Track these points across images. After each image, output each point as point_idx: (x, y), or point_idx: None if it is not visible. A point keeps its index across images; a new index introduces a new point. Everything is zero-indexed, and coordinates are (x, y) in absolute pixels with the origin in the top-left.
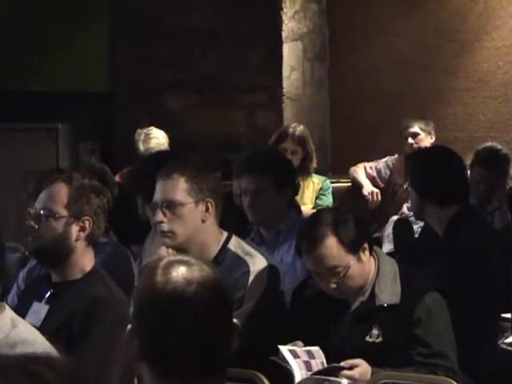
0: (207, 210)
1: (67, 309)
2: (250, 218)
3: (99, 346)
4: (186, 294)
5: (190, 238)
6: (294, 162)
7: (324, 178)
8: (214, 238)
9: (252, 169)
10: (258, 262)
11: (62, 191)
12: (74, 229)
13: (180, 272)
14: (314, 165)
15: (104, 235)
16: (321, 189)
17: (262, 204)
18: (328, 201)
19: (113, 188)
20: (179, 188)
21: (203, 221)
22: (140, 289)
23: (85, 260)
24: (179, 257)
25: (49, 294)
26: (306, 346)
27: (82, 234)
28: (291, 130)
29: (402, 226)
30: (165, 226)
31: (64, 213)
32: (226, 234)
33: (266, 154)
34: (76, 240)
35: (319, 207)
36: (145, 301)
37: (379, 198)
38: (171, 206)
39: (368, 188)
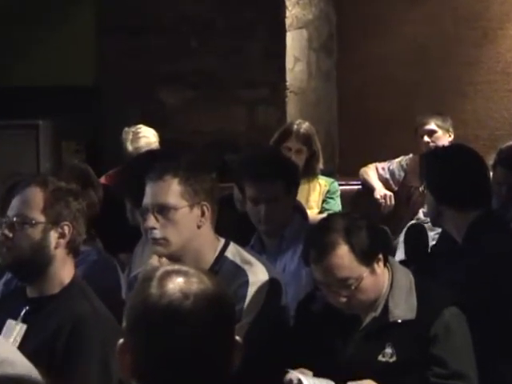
0: (203, 214)
1: (47, 329)
2: (262, 227)
3: (90, 368)
4: (182, 308)
5: (185, 245)
6: (298, 162)
7: (331, 179)
8: (209, 245)
9: (264, 175)
10: (258, 272)
11: (36, 195)
12: (53, 235)
13: (177, 284)
14: (321, 165)
15: (89, 243)
16: (328, 192)
17: (278, 212)
18: (336, 205)
19: (98, 190)
20: (172, 190)
21: (199, 226)
22: (133, 301)
23: (64, 271)
24: (177, 266)
25: (24, 311)
26: (312, 370)
27: (62, 241)
28: (295, 127)
29: (415, 232)
30: (157, 233)
31: (41, 218)
32: (222, 240)
33: (274, 157)
34: (55, 248)
35: (327, 212)
36: (138, 314)
37: (392, 202)
38: (163, 210)
39: (380, 191)
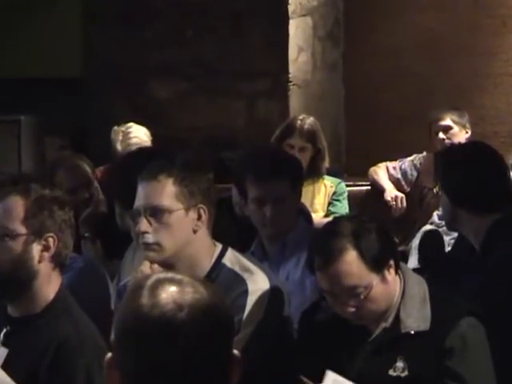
0: (199, 217)
1: (29, 352)
2: (268, 231)
3: None
4: (175, 320)
5: (179, 251)
6: (302, 161)
7: (338, 180)
8: (206, 251)
9: (269, 173)
10: (258, 280)
11: (17, 205)
12: (36, 248)
13: (170, 294)
14: (327, 164)
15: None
16: (334, 193)
17: (285, 213)
18: (343, 207)
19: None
20: (166, 192)
21: (194, 231)
22: (122, 312)
23: (49, 288)
24: (170, 274)
25: (5, 331)
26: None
27: (46, 255)
28: (299, 122)
29: (430, 238)
30: (150, 238)
31: (22, 230)
32: (220, 246)
33: (276, 153)
34: (39, 262)
35: (333, 215)
36: (127, 326)
37: (404, 204)
38: (157, 213)
39: (391, 192)
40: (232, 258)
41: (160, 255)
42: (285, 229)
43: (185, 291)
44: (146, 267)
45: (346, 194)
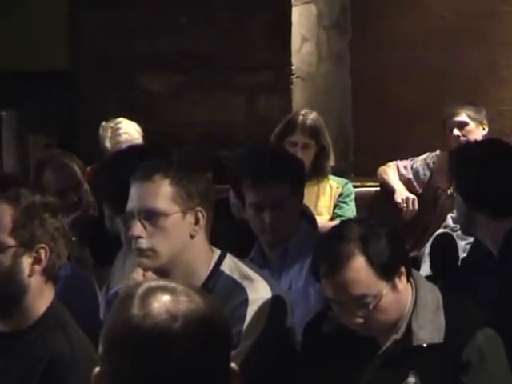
0: (197, 221)
1: (20, 368)
2: (267, 237)
3: None
4: (169, 332)
5: (175, 257)
6: (305, 159)
7: (345, 180)
8: (203, 257)
9: (267, 177)
10: (259, 289)
11: (5, 214)
12: (26, 261)
13: (163, 303)
14: (332, 163)
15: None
16: (340, 195)
17: (284, 218)
18: (350, 210)
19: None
20: (162, 193)
21: (192, 236)
22: (111, 322)
23: (41, 302)
24: (163, 282)
25: None
26: None
27: (38, 267)
28: (301, 118)
29: (444, 243)
30: (144, 243)
31: (10, 242)
32: (218, 252)
33: (275, 153)
34: (29, 275)
35: (339, 218)
36: (117, 338)
37: (416, 206)
38: (152, 216)
39: (402, 194)
40: (231, 265)
41: (154, 262)
42: (285, 234)
43: (179, 300)
44: (138, 274)
45: (353, 196)
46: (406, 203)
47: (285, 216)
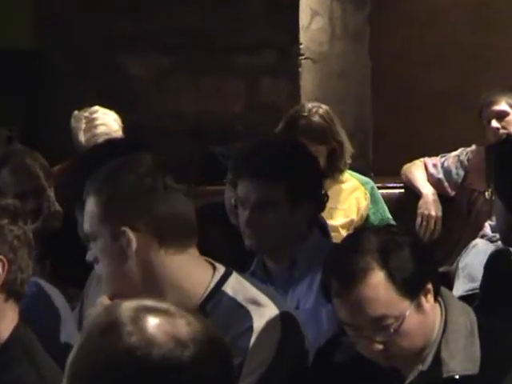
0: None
1: None
2: (246, 241)
3: None
4: (182, 361)
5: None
6: None
7: (366, 179)
8: (196, 275)
9: (256, 169)
10: (266, 315)
11: None
12: None
13: (161, 328)
14: (348, 160)
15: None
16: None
17: (265, 223)
18: (386, 211)
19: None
20: (90, 215)
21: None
22: (97, 358)
23: (2, 324)
24: (148, 302)
25: None
26: None
27: None
28: (305, 119)
29: (500, 261)
30: (99, 269)
31: None
32: (222, 270)
33: (281, 145)
34: None
35: (381, 221)
36: (114, 375)
37: (438, 227)
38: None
39: (426, 205)
40: (235, 285)
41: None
42: (270, 244)
43: (177, 323)
44: (106, 300)
45: (379, 197)
46: (427, 221)
47: (269, 221)
